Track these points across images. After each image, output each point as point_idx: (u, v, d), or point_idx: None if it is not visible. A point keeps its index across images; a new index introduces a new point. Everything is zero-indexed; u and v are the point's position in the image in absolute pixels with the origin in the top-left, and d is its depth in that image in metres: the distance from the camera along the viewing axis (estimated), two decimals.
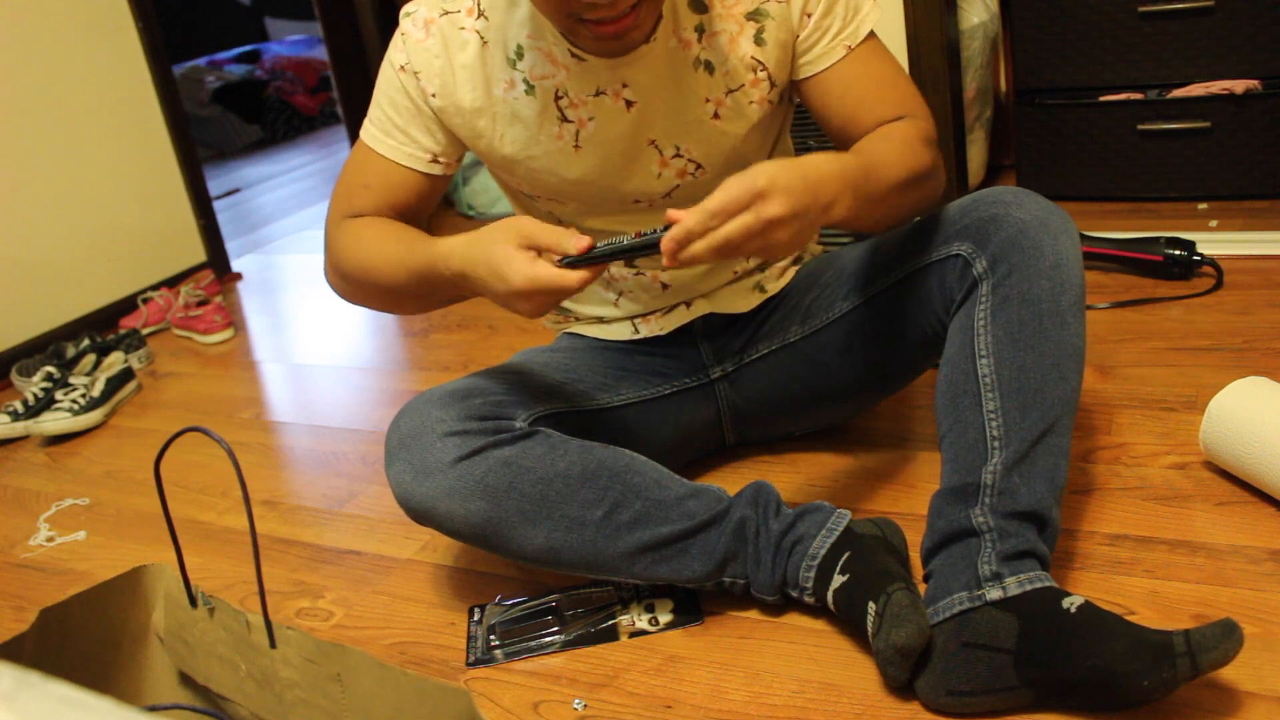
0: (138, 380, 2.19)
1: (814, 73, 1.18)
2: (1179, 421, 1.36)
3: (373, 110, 1.22)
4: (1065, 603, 0.93)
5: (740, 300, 1.33)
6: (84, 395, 2.04)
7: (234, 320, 2.56)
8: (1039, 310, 1.05)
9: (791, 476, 1.39)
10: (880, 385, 1.35)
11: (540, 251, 0.98)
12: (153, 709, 0.97)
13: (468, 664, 1.14)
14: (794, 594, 1.10)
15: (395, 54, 1.19)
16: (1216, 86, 2.03)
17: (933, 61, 1.97)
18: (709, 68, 1.16)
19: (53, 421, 1.98)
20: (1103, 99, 2.14)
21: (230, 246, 3.10)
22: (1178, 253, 1.76)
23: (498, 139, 1.20)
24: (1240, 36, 2.01)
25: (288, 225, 3.59)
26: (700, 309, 1.33)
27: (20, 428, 2.01)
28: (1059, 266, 1.06)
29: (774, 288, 1.34)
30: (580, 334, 1.38)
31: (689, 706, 1.02)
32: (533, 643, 1.14)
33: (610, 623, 1.15)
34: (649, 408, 1.31)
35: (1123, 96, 2.13)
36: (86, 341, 2.30)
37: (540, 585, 1.24)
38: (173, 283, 2.75)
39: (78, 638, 0.94)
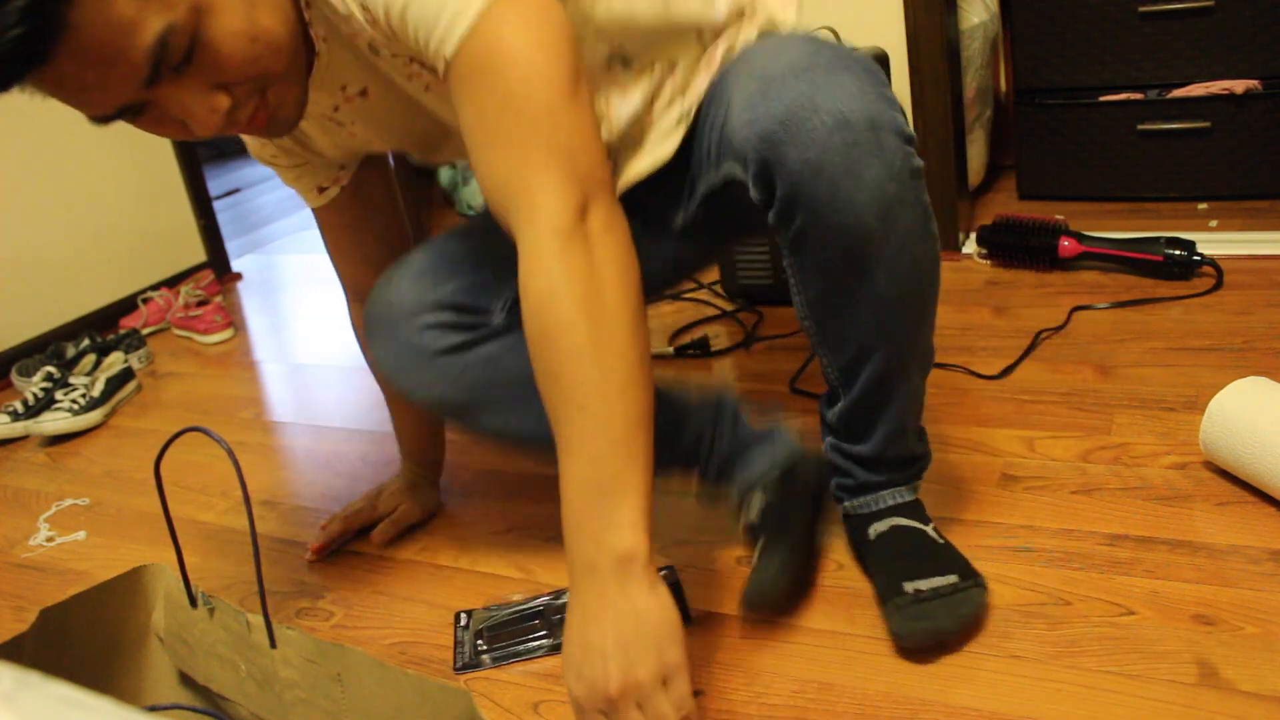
0: (138, 380, 2.19)
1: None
2: (1179, 421, 1.36)
3: None
4: (871, 529, 1.12)
5: (659, 149, 1.09)
6: (84, 395, 2.04)
7: (234, 320, 2.56)
8: (837, 276, 0.97)
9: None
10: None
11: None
12: (153, 709, 0.97)
13: (455, 669, 1.14)
14: (716, 478, 1.21)
15: None
16: (1216, 86, 2.04)
17: (933, 61, 1.97)
18: (374, 49, 0.94)
19: (53, 421, 1.99)
20: (1103, 99, 2.14)
21: (230, 246, 3.11)
22: (1178, 253, 1.76)
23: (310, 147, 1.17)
24: (1240, 36, 2.01)
25: (288, 225, 3.59)
26: (630, 175, 1.10)
27: (20, 428, 2.01)
28: (852, 208, 0.90)
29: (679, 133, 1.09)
30: None
31: None
32: (520, 647, 1.14)
33: None
34: None
35: (1123, 96, 2.13)
36: (86, 341, 2.30)
37: (537, 586, 1.24)
38: (173, 283, 2.75)
39: (78, 638, 0.94)
